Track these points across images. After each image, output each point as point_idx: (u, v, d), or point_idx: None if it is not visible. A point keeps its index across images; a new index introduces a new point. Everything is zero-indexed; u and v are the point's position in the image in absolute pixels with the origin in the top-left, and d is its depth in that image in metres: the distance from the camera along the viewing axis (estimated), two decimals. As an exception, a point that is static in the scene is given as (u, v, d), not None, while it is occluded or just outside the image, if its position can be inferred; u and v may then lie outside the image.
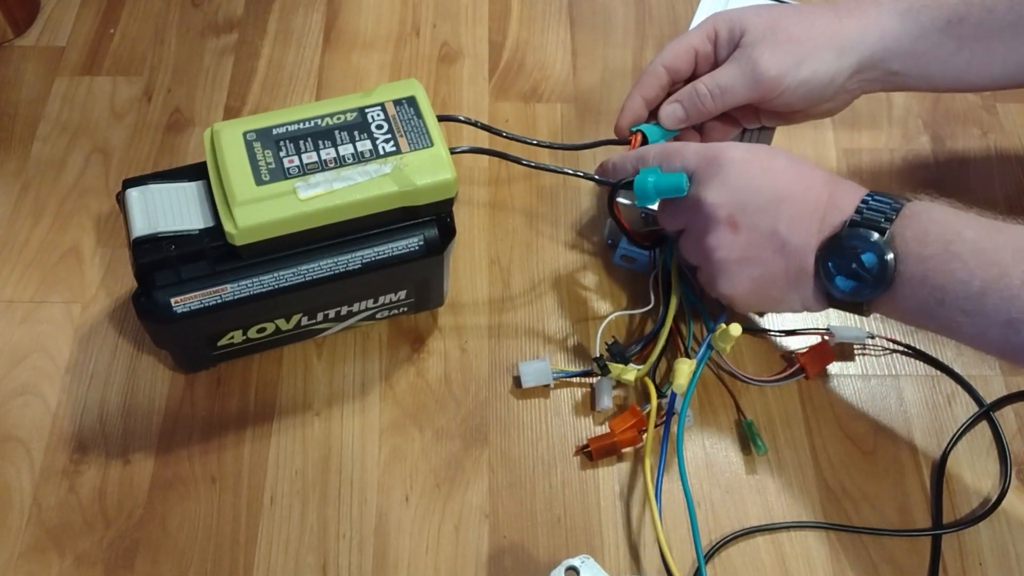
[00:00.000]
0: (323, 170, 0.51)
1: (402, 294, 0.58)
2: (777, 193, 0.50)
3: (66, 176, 0.67)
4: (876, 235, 0.48)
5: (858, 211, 0.49)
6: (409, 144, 0.52)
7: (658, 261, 0.62)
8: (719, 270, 0.52)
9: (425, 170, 0.51)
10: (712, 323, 0.58)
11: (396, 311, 0.59)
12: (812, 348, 0.60)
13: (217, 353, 0.56)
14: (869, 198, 0.50)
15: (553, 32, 0.77)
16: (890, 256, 0.48)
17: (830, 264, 0.49)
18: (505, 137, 0.59)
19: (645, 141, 0.58)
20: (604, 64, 0.76)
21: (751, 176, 0.50)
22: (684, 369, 0.54)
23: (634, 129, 0.59)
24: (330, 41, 0.76)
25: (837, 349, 0.61)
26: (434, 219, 0.54)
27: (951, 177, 0.70)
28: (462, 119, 0.57)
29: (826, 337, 0.61)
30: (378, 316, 0.59)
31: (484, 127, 0.58)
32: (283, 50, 0.75)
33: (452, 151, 0.55)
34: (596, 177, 0.57)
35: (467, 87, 0.74)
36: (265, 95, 0.72)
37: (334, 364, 0.60)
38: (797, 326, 0.62)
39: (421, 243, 0.54)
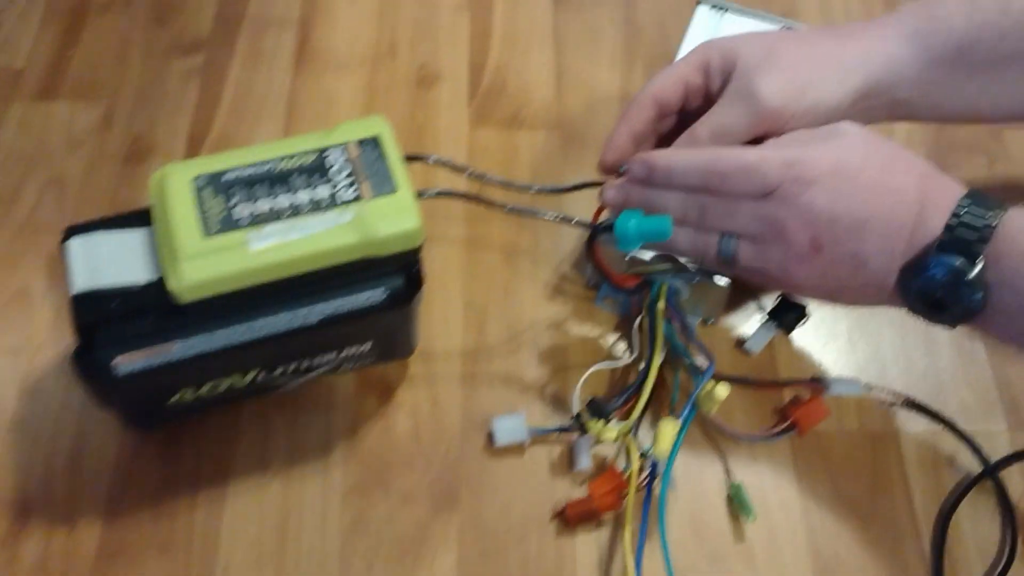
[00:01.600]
0: (277, 220, 0.47)
1: (367, 346, 0.54)
2: (864, 212, 0.46)
3: (18, 210, 0.63)
4: (964, 262, 0.44)
5: (948, 227, 0.45)
6: (372, 190, 0.48)
7: (643, 305, 0.58)
8: (791, 285, 0.50)
9: (388, 219, 0.48)
10: (699, 377, 0.54)
11: (361, 363, 0.56)
12: (806, 402, 0.56)
13: (168, 412, 0.52)
14: (962, 210, 0.45)
15: (537, 53, 0.73)
16: (979, 295, 0.44)
17: (913, 289, 0.46)
18: (480, 179, 0.55)
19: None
20: (590, 88, 0.72)
21: (839, 194, 0.46)
22: (667, 432, 0.50)
23: (624, 169, 0.54)
24: (302, 62, 0.72)
25: (832, 402, 0.57)
26: (400, 269, 0.50)
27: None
28: (432, 160, 0.54)
29: (820, 390, 0.57)
30: (342, 368, 0.55)
31: (457, 168, 0.54)
32: (252, 72, 0.71)
33: (420, 195, 0.51)
34: (575, 220, 0.53)
35: (445, 113, 0.70)
36: (232, 121, 0.68)
37: (296, 418, 0.56)
38: (791, 375, 0.58)
39: (385, 295, 0.50)
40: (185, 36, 0.73)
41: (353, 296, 0.49)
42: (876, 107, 0.54)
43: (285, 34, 0.73)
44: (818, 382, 0.57)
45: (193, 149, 0.67)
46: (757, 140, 0.52)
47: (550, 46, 0.74)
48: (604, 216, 0.56)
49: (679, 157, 0.51)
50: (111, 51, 0.72)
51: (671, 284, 0.57)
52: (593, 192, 0.56)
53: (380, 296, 0.50)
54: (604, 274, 0.56)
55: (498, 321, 0.60)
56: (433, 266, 0.62)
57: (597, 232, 0.53)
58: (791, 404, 0.57)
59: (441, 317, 0.60)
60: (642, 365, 0.56)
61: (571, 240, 0.64)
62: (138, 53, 0.72)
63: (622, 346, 0.60)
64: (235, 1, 0.75)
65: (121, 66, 0.71)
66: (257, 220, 0.47)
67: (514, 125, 0.69)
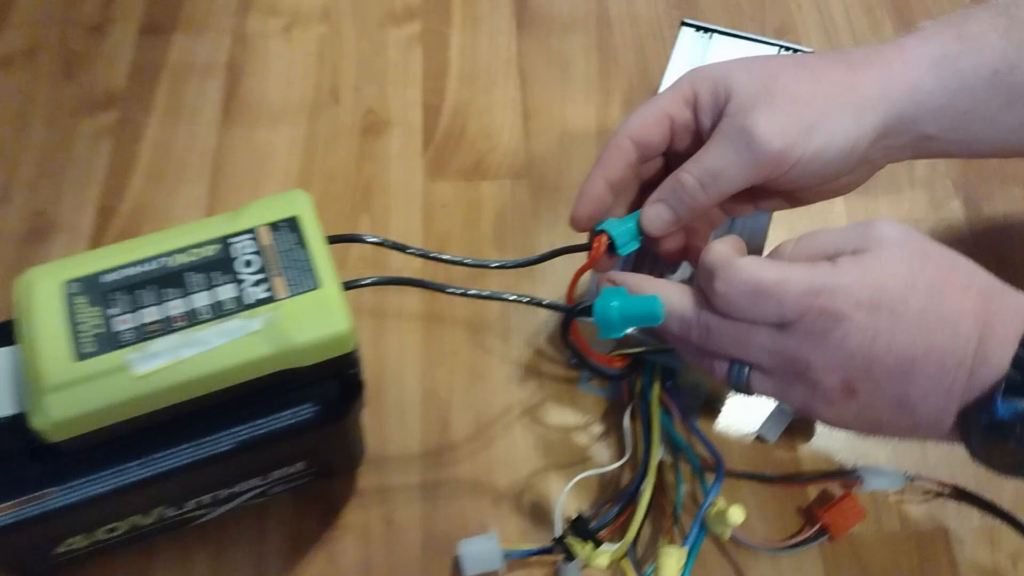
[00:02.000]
0: (168, 332, 0.37)
1: (299, 466, 0.45)
2: (910, 351, 0.37)
3: None
4: None
5: (1016, 362, 0.36)
6: (288, 286, 0.39)
7: (634, 390, 0.49)
8: (822, 420, 0.41)
9: (309, 322, 0.38)
10: (706, 487, 0.44)
11: (296, 483, 0.46)
12: (836, 501, 0.46)
13: (58, 560, 0.43)
14: None
15: (501, 90, 0.64)
16: None
17: (977, 438, 0.37)
18: (431, 259, 0.46)
19: (612, 245, 0.45)
20: (562, 127, 0.62)
21: (878, 332, 0.37)
22: (670, 567, 0.41)
23: (598, 229, 0.45)
24: (230, 114, 0.62)
25: (867, 498, 0.47)
26: (332, 375, 0.41)
27: (990, 249, 0.57)
28: (369, 240, 0.44)
29: (852, 484, 0.47)
30: (273, 492, 0.46)
31: (396, 247, 0.44)
32: (172, 129, 0.62)
33: (351, 286, 0.42)
34: (546, 303, 0.44)
35: (396, 164, 0.60)
36: (148, 187, 0.59)
37: (222, 552, 0.46)
38: (816, 467, 0.49)
39: (314, 410, 0.41)
40: (96, 90, 0.63)
41: (273, 416, 0.40)
42: (897, 146, 0.45)
43: (210, 82, 0.64)
44: (849, 475, 0.48)
45: (103, 222, 0.57)
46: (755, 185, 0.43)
47: (515, 81, 0.64)
48: (580, 291, 0.47)
49: (668, 291, 0.42)
50: (11, 111, 0.62)
51: (666, 362, 0.48)
52: (569, 260, 0.47)
53: (308, 412, 0.41)
54: (585, 356, 0.46)
55: (464, 413, 0.51)
56: (385, 350, 0.53)
57: (572, 315, 0.43)
58: (818, 503, 0.47)
59: (396, 412, 0.51)
60: (637, 466, 0.46)
61: (548, 311, 0.54)
62: (41, 112, 0.62)
63: (612, 441, 0.50)
64: (153, 47, 0.65)
65: (21, 129, 0.61)
66: (143, 335, 0.37)
67: (476, 175, 0.60)
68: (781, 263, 0.39)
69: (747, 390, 0.41)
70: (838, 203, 0.58)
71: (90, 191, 0.59)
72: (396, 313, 0.54)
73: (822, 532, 0.46)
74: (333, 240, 0.42)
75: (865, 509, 0.46)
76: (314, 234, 0.40)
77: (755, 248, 0.49)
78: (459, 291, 0.43)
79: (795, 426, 0.50)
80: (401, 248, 0.45)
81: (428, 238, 0.57)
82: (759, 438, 0.50)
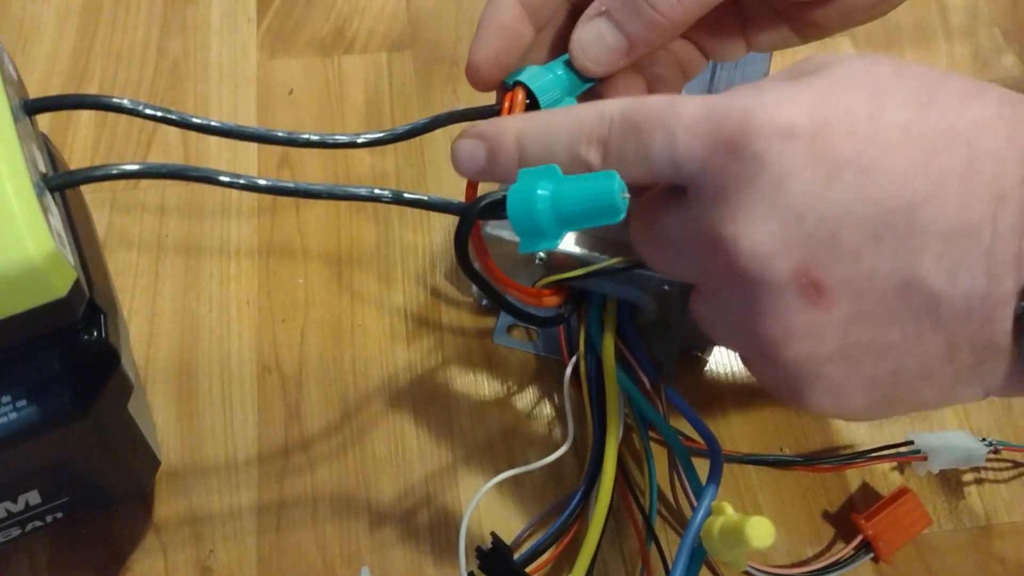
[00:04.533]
0: None
1: (33, 497, 0.27)
2: (902, 194, 0.20)
3: None
4: None
5: None
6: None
7: (577, 340, 0.32)
8: (798, 377, 0.22)
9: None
10: (696, 485, 0.28)
11: (52, 517, 0.28)
12: (887, 505, 0.30)
13: None
14: None
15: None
16: None
17: None
18: (230, 135, 0.27)
19: (535, 103, 0.27)
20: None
21: (835, 168, 0.20)
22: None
23: (512, 80, 0.27)
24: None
25: (936, 482, 0.32)
26: (55, 344, 0.23)
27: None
28: (112, 103, 0.25)
29: (913, 468, 0.31)
30: (13, 535, 0.28)
31: (161, 117, 0.25)
32: None
33: (60, 185, 0.24)
34: (425, 200, 0.26)
35: (217, 37, 0.42)
36: None
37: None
38: (862, 442, 0.33)
39: (23, 407, 0.23)
40: None
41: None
42: None
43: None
44: (908, 448, 0.31)
45: None
46: None
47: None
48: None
49: (488, 127, 0.25)
50: None
51: (625, 296, 0.31)
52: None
53: (7, 410, 0.23)
54: (497, 289, 0.29)
55: (322, 393, 0.34)
56: (195, 302, 0.35)
57: (471, 216, 0.25)
58: (859, 502, 0.31)
59: (214, 398, 0.33)
60: (588, 460, 0.30)
61: (446, 224, 0.37)
62: None
63: (547, 420, 0.33)
64: None
65: None
66: None
67: (336, 48, 0.42)
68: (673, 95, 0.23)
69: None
70: (848, 62, 0.42)
71: None
72: (216, 246, 0.36)
73: (865, 549, 0.30)
74: (37, 107, 0.24)
75: (928, 516, 0.30)
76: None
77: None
78: (262, 185, 0.25)
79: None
80: (191, 124, 0.26)
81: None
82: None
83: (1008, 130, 0.20)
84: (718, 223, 0.21)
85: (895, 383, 0.22)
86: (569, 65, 0.27)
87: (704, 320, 0.24)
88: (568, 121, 0.23)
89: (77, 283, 0.22)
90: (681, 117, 0.21)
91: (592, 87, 0.27)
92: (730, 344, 0.25)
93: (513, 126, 0.24)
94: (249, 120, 0.39)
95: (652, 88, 0.29)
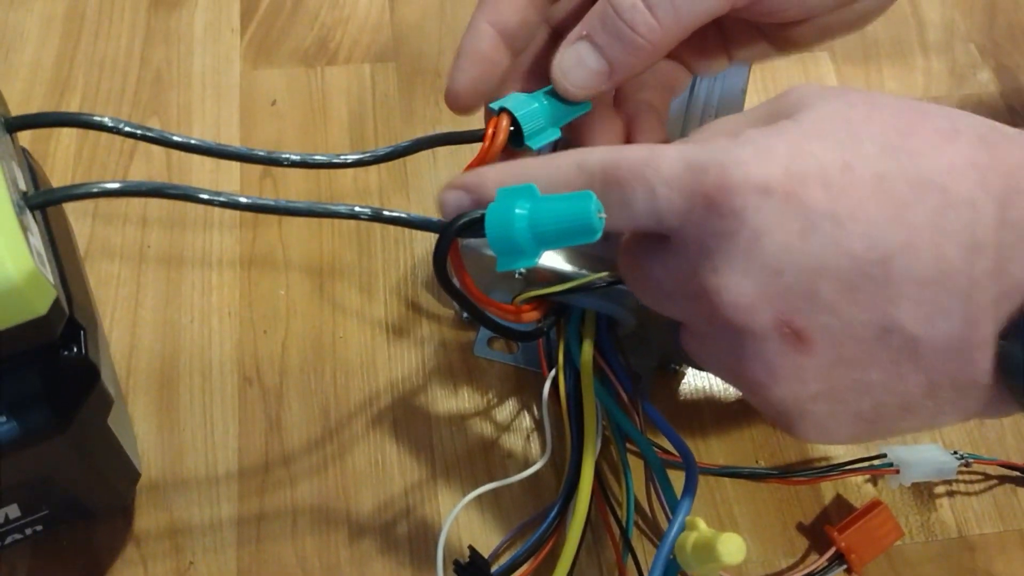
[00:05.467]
0: None
1: (13, 511, 0.27)
2: (879, 245, 0.20)
3: None
4: None
5: None
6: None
7: (555, 354, 0.32)
8: (786, 414, 0.23)
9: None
10: (671, 498, 0.28)
11: (32, 531, 0.28)
12: (860, 518, 0.31)
13: None
14: None
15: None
16: None
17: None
18: (212, 154, 0.27)
19: (518, 131, 0.27)
20: (443, -12, 0.45)
21: (812, 222, 0.21)
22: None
23: (496, 107, 0.27)
24: (-41, -14, 0.43)
25: (908, 494, 0.32)
26: (36, 361, 0.23)
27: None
28: (93, 121, 0.26)
29: (886, 481, 0.32)
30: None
31: (141, 136, 0.26)
32: None
33: (40, 204, 0.24)
34: (406, 217, 0.26)
35: (201, 47, 0.42)
36: None
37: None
38: (836, 455, 0.33)
39: (5, 425, 0.23)
40: None
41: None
42: None
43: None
44: (879, 461, 0.32)
45: None
46: None
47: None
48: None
49: (471, 177, 0.25)
50: None
51: (604, 310, 0.31)
52: (453, 157, 0.29)
53: (-13, 429, 0.23)
54: (476, 304, 0.29)
55: (302, 405, 0.34)
56: (176, 314, 0.35)
57: (451, 234, 0.26)
58: (832, 515, 0.32)
59: (194, 410, 0.33)
60: (566, 473, 0.30)
61: (427, 236, 0.37)
62: None
63: (525, 433, 0.34)
64: None
65: None
66: None
67: (320, 58, 0.42)
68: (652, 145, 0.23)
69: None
70: (829, 77, 0.42)
71: None
72: (198, 257, 0.36)
73: (837, 561, 0.31)
74: (17, 125, 0.24)
75: (900, 528, 0.31)
76: (-35, 111, 0.22)
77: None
78: (243, 202, 0.25)
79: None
80: (181, 144, 0.27)
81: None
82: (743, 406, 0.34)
83: (982, 176, 0.20)
84: (701, 275, 0.22)
85: (878, 417, 0.23)
86: (553, 94, 0.27)
87: (695, 355, 0.25)
88: (547, 174, 0.24)
89: (57, 301, 0.22)
90: (660, 172, 0.22)
91: (572, 121, 0.28)
92: (721, 377, 0.26)
93: (495, 177, 0.24)
94: (232, 130, 0.40)
95: (639, 116, 0.29)
